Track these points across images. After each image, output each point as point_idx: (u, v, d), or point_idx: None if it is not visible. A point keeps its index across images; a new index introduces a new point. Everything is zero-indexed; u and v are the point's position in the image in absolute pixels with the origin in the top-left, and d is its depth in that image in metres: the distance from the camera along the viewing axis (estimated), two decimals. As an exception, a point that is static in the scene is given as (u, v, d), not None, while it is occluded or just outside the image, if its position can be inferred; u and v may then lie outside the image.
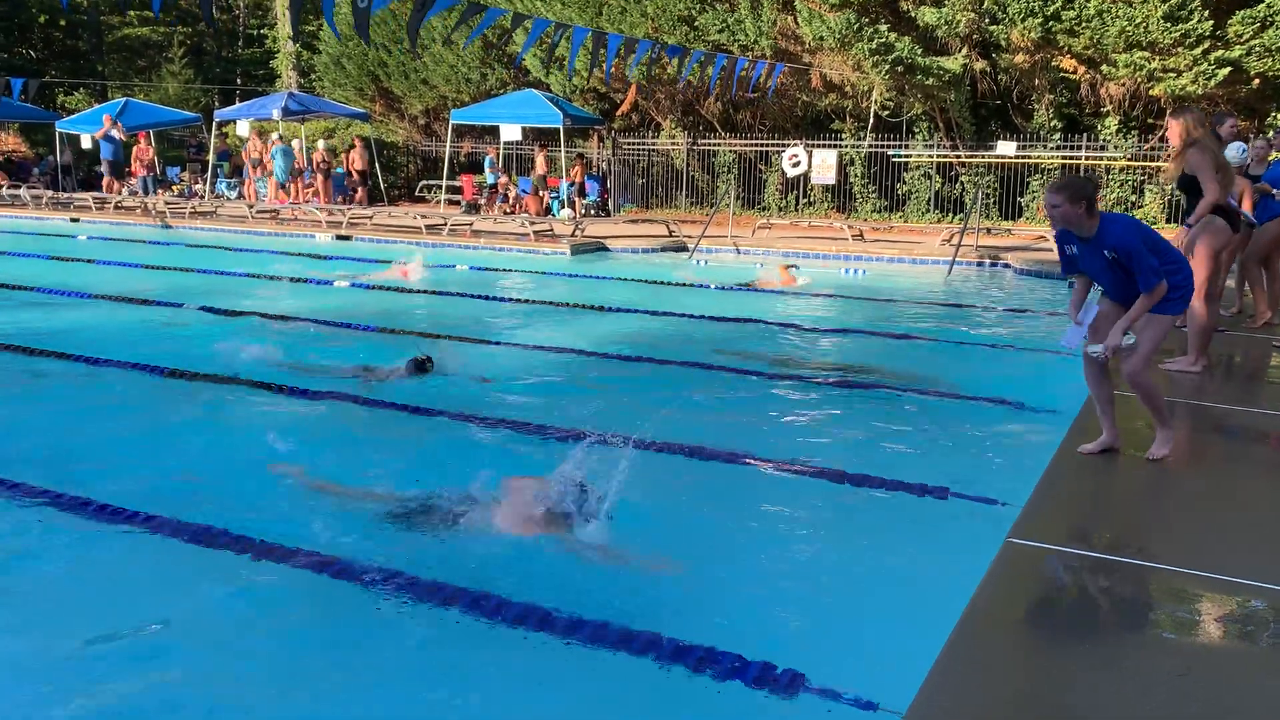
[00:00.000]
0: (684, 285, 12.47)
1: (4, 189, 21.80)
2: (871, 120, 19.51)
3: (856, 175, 20.07)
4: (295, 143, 23.23)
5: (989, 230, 17.11)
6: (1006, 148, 18.13)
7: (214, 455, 5.60)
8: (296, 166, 22.30)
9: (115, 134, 21.63)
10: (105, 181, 22.83)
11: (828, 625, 3.70)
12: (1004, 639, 3.18)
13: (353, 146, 22.87)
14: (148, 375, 7.16)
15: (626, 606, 3.72)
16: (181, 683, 3.28)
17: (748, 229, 17.96)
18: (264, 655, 3.47)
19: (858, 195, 20.25)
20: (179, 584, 3.94)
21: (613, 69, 20.12)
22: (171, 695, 3.20)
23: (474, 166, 23.57)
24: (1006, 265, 14.51)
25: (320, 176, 21.78)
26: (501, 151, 23.27)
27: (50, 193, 21.81)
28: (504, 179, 21.73)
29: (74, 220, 19.41)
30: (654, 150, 22.29)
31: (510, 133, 20.67)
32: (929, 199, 19.73)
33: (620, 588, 3.92)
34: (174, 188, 24.11)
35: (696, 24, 19.32)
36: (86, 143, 23.87)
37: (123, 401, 6.71)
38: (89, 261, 13.93)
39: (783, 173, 20.17)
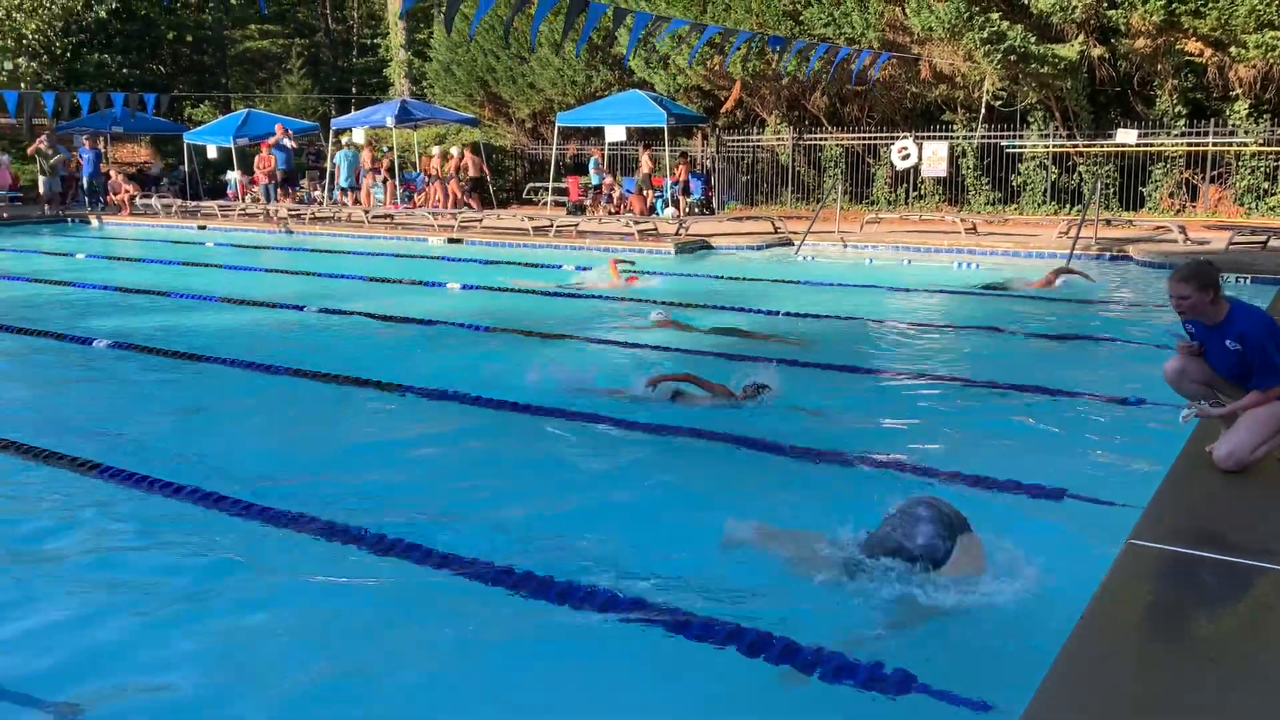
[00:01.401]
0: (787, 282, 12.38)
1: (137, 198, 22.96)
2: (983, 110, 19.03)
3: (968, 167, 19.61)
4: (365, 152, 23.86)
5: (1109, 221, 16.52)
6: (1127, 136, 17.46)
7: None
8: (362, 170, 23.10)
9: (287, 142, 22.49)
10: (233, 191, 23.84)
11: (941, 626, 3.65)
12: (1124, 641, 3.09)
13: (463, 155, 23.35)
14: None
15: (727, 604, 3.74)
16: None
17: (855, 224, 17.74)
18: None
19: (970, 188, 19.79)
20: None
21: (716, 66, 20.14)
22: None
23: (579, 168, 23.82)
24: (1127, 257, 14.00)
25: (441, 184, 22.30)
26: (606, 152, 23.46)
27: (179, 201, 22.86)
28: (609, 179, 21.92)
29: (201, 227, 20.33)
30: (759, 146, 22.18)
31: (615, 133, 20.83)
32: (1045, 190, 19.15)
33: (720, 586, 3.94)
34: (294, 194, 25.01)
35: (802, 18, 19.16)
36: (213, 152, 24.96)
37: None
38: (217, 266, 14.59)
39: (891, 166, 19.84)
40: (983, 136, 19.33)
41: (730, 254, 15.79)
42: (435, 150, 23.26)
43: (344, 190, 23.20)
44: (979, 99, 18.88)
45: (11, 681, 3.30)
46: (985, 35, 16.88)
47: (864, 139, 20.75)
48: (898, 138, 19.57)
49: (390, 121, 22.29)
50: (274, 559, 4.27)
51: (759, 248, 16.13)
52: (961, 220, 16.88)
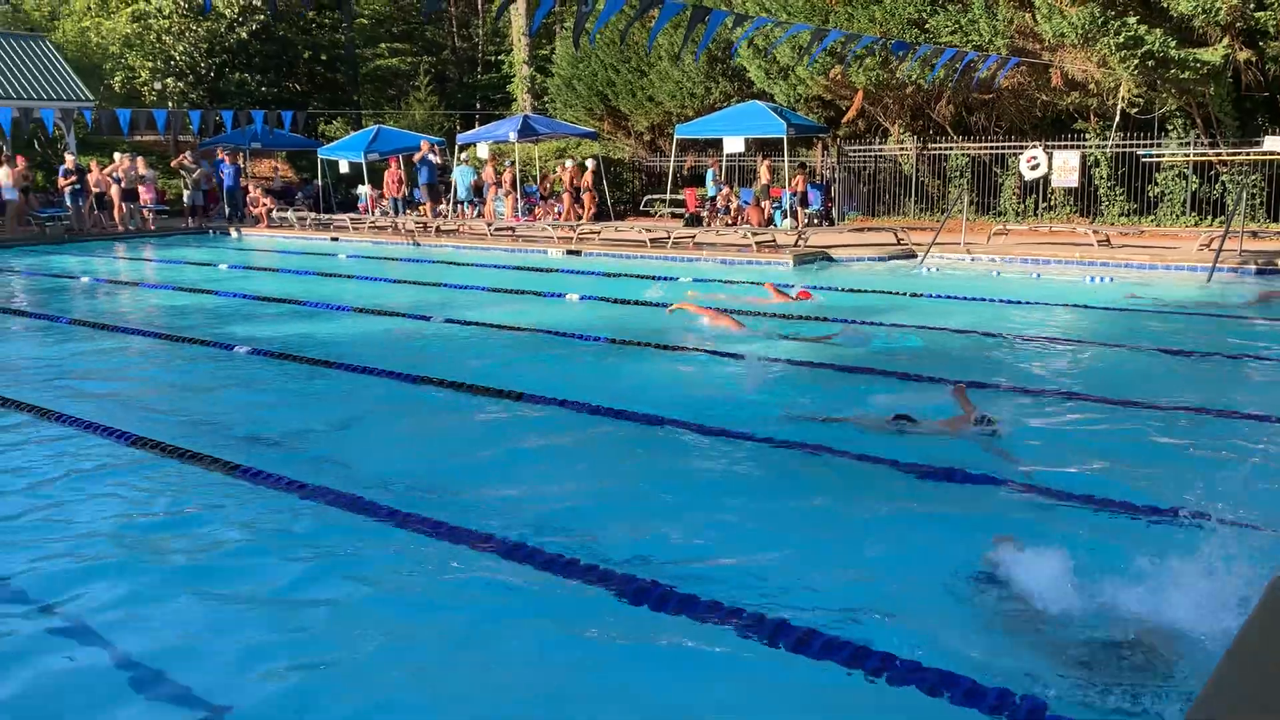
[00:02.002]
0: (910, 295, 12.12)
1: (274, 211, 23.97)
2: (1118, 118, 18.32)
3: (1102, 177, 18.90)
4: (489, 166, 24.32)
5: (1255, 234, 15.69)
6: (1276, 143, 16.55)
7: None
8: (485, 184, 23.56)
9: (432, 157, 23.19)
10: (364, 204, 24.68)
11: (1086, 656, 3.49)
12: (1276, 671, 2.90)
13: (585, 167, 23.66)
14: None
15: (852, 623, 3.67)
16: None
17: (982, 235, 17.27)
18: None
19: (1103, 198, 19.06)
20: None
21: (837, 75, 19.91)
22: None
23: (696, 180, 23.86)
24: (1275, 270, 13.26)
25: (572, 195, 22.64)
26: (724, 163, 23.45)
27: (313, 214, 23.78)
28: (726, 190, 21.88)
29: (334, 239, 21.08)
30: (881, 156, 21.83)
31: (733, 145, 20.78)
32: (1184, 200, 18.31)
33: (847, 605, 3.87)
34: (421, 208, 25.73)
35: (927, 26, 18.79)
36: (344, 167, 25.89)
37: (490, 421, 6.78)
38: (348, 277, 15.10)
39: (1020, 176, 19.26)
40: (1117, 145, 18.60)
41: (850, 266, 15.56)
42: (569, 163, 23.58)
43: (463, 204, 23.71)
44: (1113, 106, 18.18)
45: (145, 674, 3.46)
46: (1121, 40, 16.25)
47: (991, 148, 20.22)
48: (1026, 147, 18.99)
49: (513, 136, 22.72)
50: (392, 559, 4.37)
51: (880, 260, 15.85)
52: (1094, 232, 16.27)
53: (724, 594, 3.84)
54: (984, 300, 11.65)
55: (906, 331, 9.63)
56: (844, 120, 21.70)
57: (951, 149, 20.72)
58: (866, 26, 19.21)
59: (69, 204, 22.18)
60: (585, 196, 22.58)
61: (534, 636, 3.72)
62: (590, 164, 23.03)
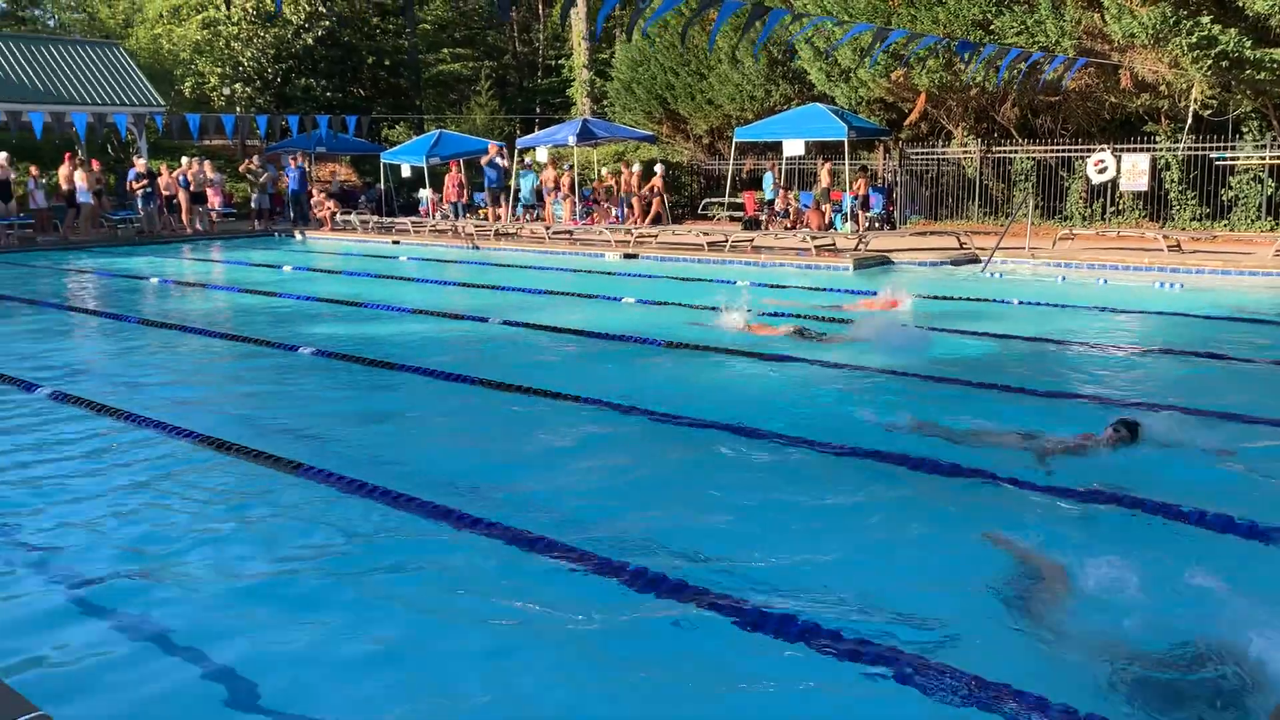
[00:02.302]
0: (973, 300, 11.91)
1: (337, 215, 24.35)
2: (1190, 120, 17.86)
3: (1173, 181, 18.43)
4: (549, 170, 24.41)
5: (1335, 238, 15.18)
6: (1358, 144, 16.03)
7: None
8: (545, 187, 23.65)
9: (500, 161, 23.43)
10: (425, 208, 24.96)
11: (1178, 683, 3.38)
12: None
13: (654, 171, 23.68)
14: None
15: (937, 642, 3.59)
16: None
17: (1047, 240, 16.95)
18: None
19: (1174, 202, 18.59)
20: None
21: (899, 77, 19.69)
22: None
23: (756, 183, 23.74)
24: (1358, 277, 12.82)
25: (640, 199, 22.69)
26: (783, 167, 23.32)
27: (375, 218, 24.11)
28: (784, 194, 21.74)
29: (395, 242, 21.35)
30: (944, 159, 21.53)
31: (793, 148, 20.66)
32: (1260, 205, 17.78)
33: (939, 620, 3.79)
34: (480, 211, 25.97)
35: (992, 27, 18.49)
36: (406, 171, 26.22)
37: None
38: (409, 280, 15.27)
39: (1087, 179, 18.88)
40: (1189, 148, 18.13)
41: (911, 270, 15.36)
42: (636, 166, 23.62)
43: (528, 208, 23.87)
44: (1185, 108, 17.73)
45: (198, 667, 3.50)
46: (1194, 40, 15.83)
47: (1057, 151, 19.83)
48: (1094, 149, 18.60)
49: (572, 140, 22.83)
50: (450, 560, 4.39)
51: (942, 264, 15.63)
52: (1164, 237, 15.86)
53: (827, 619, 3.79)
54: (1048, 306, 11.42)
55: (967, 337, 9.47)
56: (906, 123, 21.45)
57: (1016, 152, 20.37)
58: (929, 28, 18.95)
59: (140, 207, 22.74)
60: (656, 201, 22.58)
61: (582, 641, 3.70)
62: (659, 168, 23.00)
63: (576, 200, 23.88)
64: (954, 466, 5.37)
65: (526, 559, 4.32)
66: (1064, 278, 14.14)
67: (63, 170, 22.08)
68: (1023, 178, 20.25)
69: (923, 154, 21.79)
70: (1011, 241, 15.97)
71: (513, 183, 25.09)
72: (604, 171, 23.61)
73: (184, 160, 24.24)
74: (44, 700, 2.71)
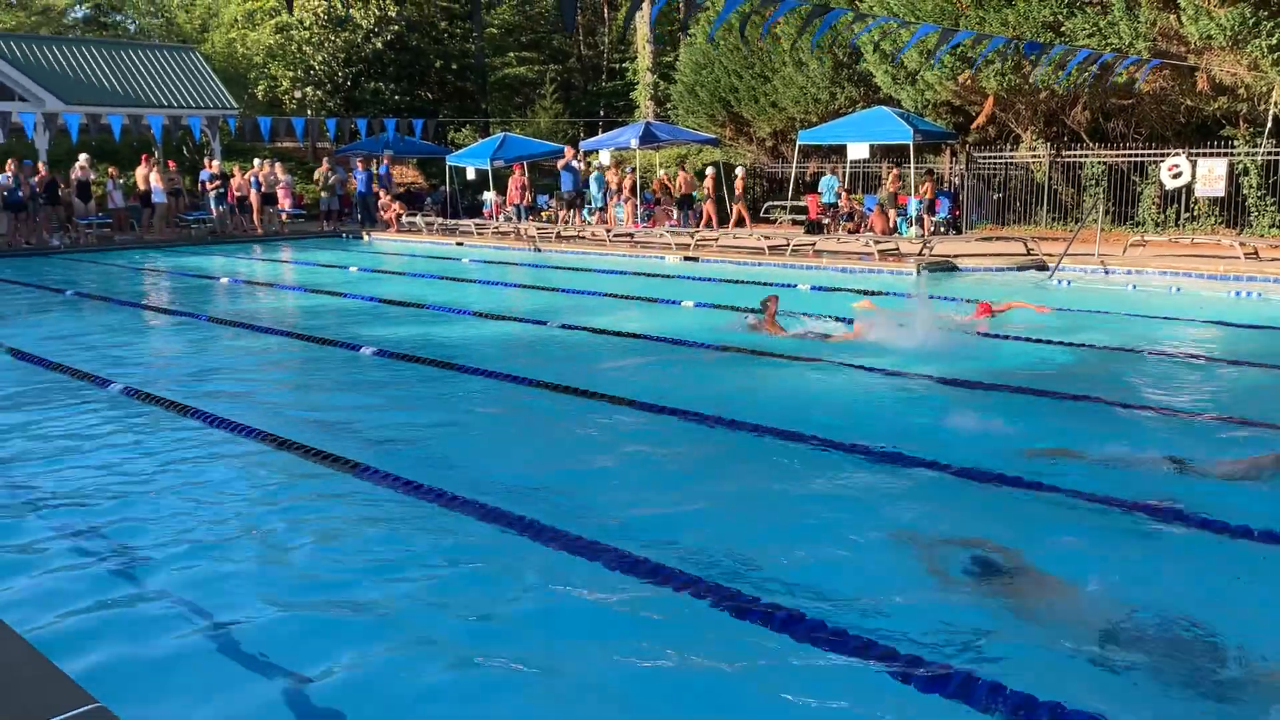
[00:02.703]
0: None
1: (403, 217, 24.71)
2: (1270, 124, 17.31)
3: (1251, 186, 17.88)
4: (611, 172, 24.42)
5: None
6: None
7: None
8: (609, 190, 23.65)
9: (576, 164, 23.56)
10: (488, 210, 25.18)
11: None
12: None
13: (704, 174, 23.63)
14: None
15: (982, 652, 3.52)
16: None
17: (1118, 247, 16.55)
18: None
19: (1253, 209, 18.03)
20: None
21: (967, 80, 19.40)
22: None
23: (818, 186, 23.55)
24: None
25: (714, 203, 22.61)
26: (848, 170, 23.11)
27: (440, 219, 24.41)
28: (848, 197, 21.55)
29: (459, 244, 21.59)
30: (1012, 164, 21.16)
31: (857, 151, 20.47)
32: (1343, 211, 17.18)
33: (979, 629, 3.72)
34: (543, 214, 26.16)
35: (1063, 29, 18.12)
36: (471, 174, 26.51)
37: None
38: (471, 281, 15.42)
39: (1160, 185, 18.40)
40: (1269, 153, 17.57)
41: (977, 276, 15.11)
42: (710, 169, 23.55)
43: (597, 210, 23.87)
44: (1265, 112, 17.19)
45: (258, 664, 3.57)
46: (1274, 42, 15.35)
47: (1130, 156, 19.37)
48: (1168, 154, 18.13)
49: (634, 143, 22.88)
50: (506, 561, 4.41)
51: (1009, 270, 15.35)
52: (1241, 244, 15.40)
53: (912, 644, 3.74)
54: (1118, 314, 11.15)
55: (1032, 346, 9.29)
56: (973, 126, 21.12)
57: (1087, 156, 19.93)
58: (998, 31, 18.64)
59: (213, 207, 23.31)
60: (738, 205, 22.51)
61: (633, 648, 3.70)
62: (740, 170, 22.80)
63: (638, 203, 23.91)
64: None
65: (567, 560, 4.33)
66: (1135, 285, 13.81)
67: (139, 171, 22.73)
68: (1093, 183, 19.81)
69: (990, 158, 21.43)
70: (1080, 248, 15.63)
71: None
72: (661, 173, 23.59)
73: (256, 162, 24.80)
74: (102, 693, 2.77)
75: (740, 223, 22.25)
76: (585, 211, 25.45)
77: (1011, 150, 21.22)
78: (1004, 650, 3.57)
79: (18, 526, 4.92)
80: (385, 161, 25.78)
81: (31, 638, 3.14)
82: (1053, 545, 4.52)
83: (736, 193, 22.65)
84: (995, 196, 21.63)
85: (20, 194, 20.60)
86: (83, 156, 21.92)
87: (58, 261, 18.89)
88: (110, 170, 22.76)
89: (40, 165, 21.54)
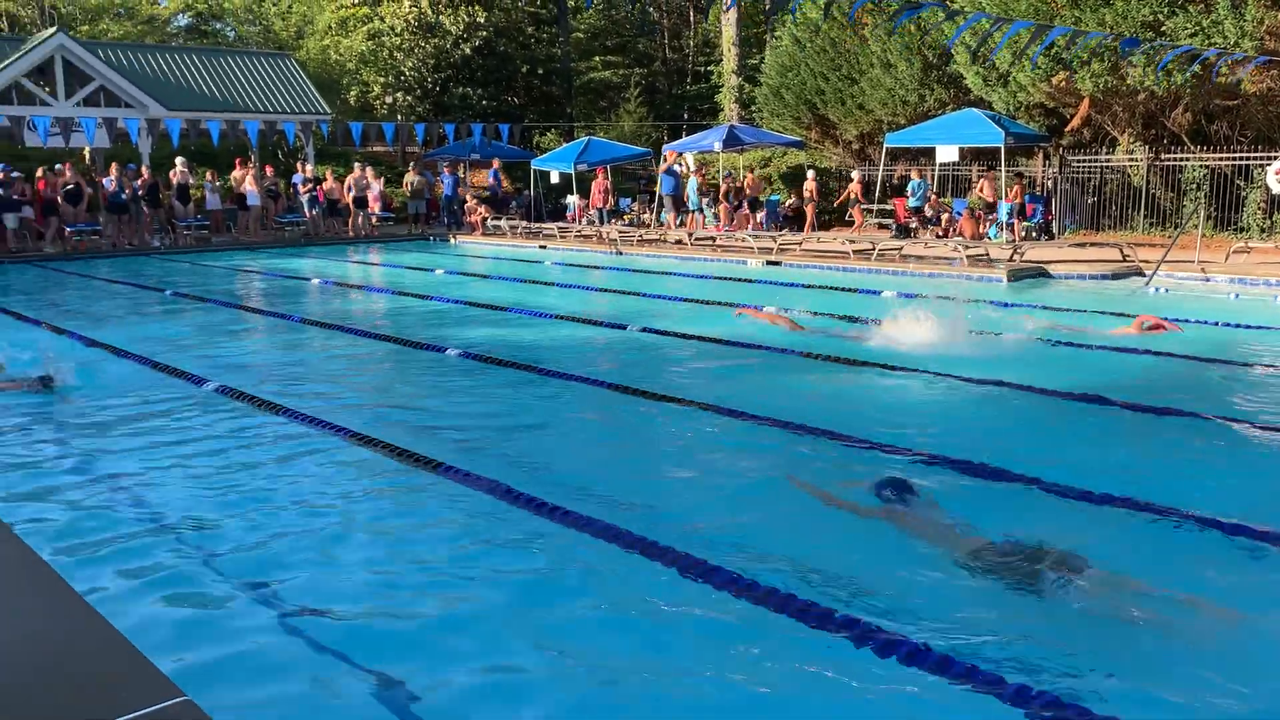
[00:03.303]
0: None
1: (488, 220, 25.02)
2: (1388, 125, 16.49)
3: (1365, 190, 17.05)
4: (695, 176, 24.23)
5: None
6: None
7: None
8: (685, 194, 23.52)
9: (678, 168, 23.49)
10: (571, 214, 25.36)
11: None
12: None
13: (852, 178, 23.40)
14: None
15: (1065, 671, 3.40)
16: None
17: (1219, 253, 15.93)
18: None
19: (1366, 214, 17.20)
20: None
21: (1061, 81, 18.88)
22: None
23: (905, 189, 23.17)
24: None
25: (812, 208, 22.42)
26: (936, 173, 22.70)
27: (524, 223, 24.65)
28: (936, 201, 21.15)
29: (542, 247, 21.78)
30: (1107, 167, 20.53)
31: (946, 154, 20.09)
32: None
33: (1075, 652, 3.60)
34: (625, 217, 26.23)
35: (1164, 29, 17.52)
36: (555, 178, 26.72)
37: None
38: (553, 285, 15.53)
39: (1267, 189, 17.66)
40: (1386, 154, 16.74)
41: (1069, 283, 14.69)
42: (810, 173, 23.38)
43: (694, 213, 23.63)
44: (1383, 111, 16.39)
45: (331, 658, 3.62)
46: (1395, 38, 14.62)
47: (1234, 159, 18.63)
48: (1276, 157, 17.39)
49: (718, 146, 22.80)
50: (587, 564, 4.41)
51: (1103, 277, 14.89)
52: (1355, 251, 14.69)
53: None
54: (1219, 325, 10.71)
55: (1126, 356, 8.98)
56: (1068, 129, 20.54)
57: (1188, 159, 19.23)
58: (1094, 30, 18.10)
59: (306, 210, 23.92)
60: (855, 210, 22.29)
61: (708, 657, 3.66)
62: (857, 174, 22.47)
63: (732, 207, 23.77)
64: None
65: (642, 564, 4.31)
66: (1238, 294, 13.27)
67: (235, 175, 23.43)
68: (1194, 187, 19.10)
69: (1085, 161, 20.83)
70: (1180, 254, 15.08)
71: (658, 189, 25.18)
72: (744, 174, 23.41)
73: (356, 167, 25.41)
74: (188, 685, 2.84)
75: (812, 227, 21.96)
76: (664, 215, 25.45)
77: (1108, 153, 20.59)
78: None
79: (112, 519, 5.09)
80: (496, 168, 26.16)
81: (122, 629, 3.23)
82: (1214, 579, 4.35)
83: (854, 194, 22.37)
84: (1090, 201, 21.01)
85: (123, 196, 21.41)
86: (180, 160, 22.69)
87: (157, 262, 19.58)
88: (208, 174, 23.49)
89: (143, 169, 22.35)
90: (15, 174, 20.79)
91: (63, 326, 11.12)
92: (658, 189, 25.17)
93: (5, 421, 6.97)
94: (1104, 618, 3.87)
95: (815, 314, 11.58)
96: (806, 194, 22.74)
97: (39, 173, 21.48)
